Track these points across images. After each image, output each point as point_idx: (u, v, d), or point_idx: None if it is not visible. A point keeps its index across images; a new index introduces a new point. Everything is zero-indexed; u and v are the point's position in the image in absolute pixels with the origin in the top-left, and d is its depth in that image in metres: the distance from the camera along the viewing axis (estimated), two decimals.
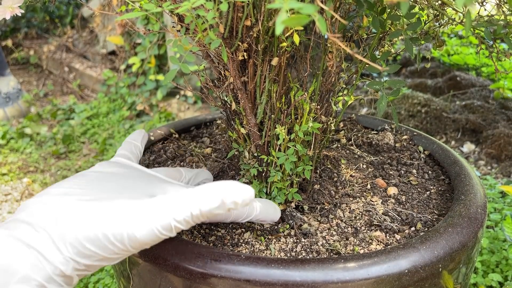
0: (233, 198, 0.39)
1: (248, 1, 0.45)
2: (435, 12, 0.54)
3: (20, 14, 0.46)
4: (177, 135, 0.80)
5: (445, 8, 0.53)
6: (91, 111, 2.18)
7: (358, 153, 0.72)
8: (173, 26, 0.53)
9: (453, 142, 1.60)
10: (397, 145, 0.74)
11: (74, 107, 2.24)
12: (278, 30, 0.26)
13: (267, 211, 0.52)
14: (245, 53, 0.50)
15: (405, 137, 0.76)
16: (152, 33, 2.09)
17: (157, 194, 0.44)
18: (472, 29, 0.52)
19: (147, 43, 2.14)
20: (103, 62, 2.68)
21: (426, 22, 0.58)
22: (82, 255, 0.39)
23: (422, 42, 0.56)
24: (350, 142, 0.76)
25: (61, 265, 0.38)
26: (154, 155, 0.74)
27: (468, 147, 1.57)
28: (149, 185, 0.46)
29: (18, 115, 2.22)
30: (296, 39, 0.45)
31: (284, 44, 0.50)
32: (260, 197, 0.57)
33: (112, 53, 2.67)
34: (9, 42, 3.01)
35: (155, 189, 0.46)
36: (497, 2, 0.48)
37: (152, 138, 0.77)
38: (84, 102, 2.40)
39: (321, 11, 0.49)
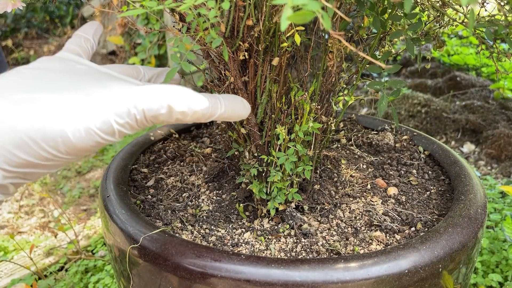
0: (182, 107, 0.35)
1: (250, 1, 0.45)
2: (436, 13, 0.54)
3: (21, 8, 0.46)
4: (177, 135, 0.80)
5: (446, 9, 0.53)
6: None
7: (358, 153, 0.72)
8: (173, 26, 0.53)
9: (453, 142, 1.60)
10: (397, 145, 0.74)
11: None
12: (283, 26, 0.26)
13: (233, 107, 0.44)
14: (246, 53, 0.50)
15: (405, 137, 0.76)
16: (152, 33, 2.09)
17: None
18: (473, 29, 0.52)
19: (147, 43, 2.14)
20: (103, 62, 2.68)
21: (427, 22, 0.58)
22: (12, 163, 0.34)
23: (423, 42, 0.56)
24: (350, 142, 0.76)
25: None
26: (154, 155, 0.74)
27: (468, 147, 1.57)
28: (94, 83, 0.39)
29: None
30: (297, 39, 0.45)
31: (285, 44, 0.50)
32: (261, 197, 0.57)
33: (112, 53, 2.67)
34: (9, 42, 3.01)
35: (100, 87, 0.38)
36: (498, 2, 0.48)
37: (152, 138, 0.77)
38: None
39: (323, 9, 0.49)
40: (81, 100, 0.35)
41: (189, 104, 0.36)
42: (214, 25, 0.43)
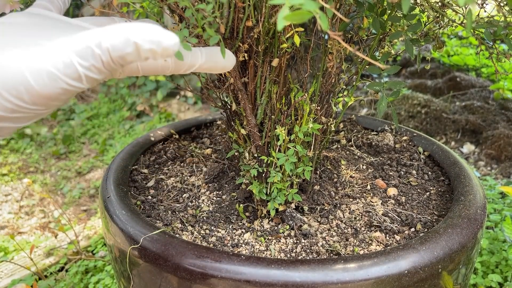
0: (149, 44, 0.32)
1: (249, 2, 0.45)
2: (436, 13, 0.54)
3: (19, 10, 0.46)
4: (177, 136, 0.80)
5: (445, 10, 0.53)
6: (91, 111, 2.18)
7: (358, 154, 0.73)
8: (173, 27, 0.53)
9: (453, 143, 1.60)
10: (397, 146, 0.74)
11: (75, 108, 2.24)
12: (280, 26, 0.26)
13: (215, 58, 0.42)
14: (245, 54, 0.50)
15: (405, 138, 0.76)
16: None
17: None
18: (472, 30, 0.52)
19: None
20: None
21: (426, 23, 0.58)
22: None
23: (422, 43, 0.56)
24: (350, 143, 0.76)
25: None
26: (154, 155, 0.74)
27: (468, 147, 1.57)
28: (60, 33, 0.37)
29: None
30: (297, 40, 0.45)
31: (285, 45, 0.50)
32: (261, 198, 0.57)
33: None
34: None
35: (65, 35, 0.35)
36: (497, 3, 0.48)
37: (153, 138, 0.77)
38: (84, 103, 2.40)
39: (322, 10, 0.49)
40: (42, 45, 0.33)
41: (157, 39, 0.33)
42: (211, 23, 0.43)
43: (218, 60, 0.42)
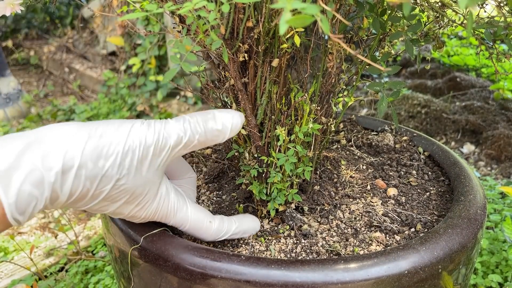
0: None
1: (250, 3, 0.45)
2: (436, 14, 0.54)
3: (20, 12, 0.46)
4: None
5: (445, 10, 0.53)
6: (91, 111, 2.18)
7: (358, 154, 0.73)
8: (173, 27, 0.53)
9: (453, 143, 1.60)
10: (397, 146, 0.74)
11: (75, 108, 2.24)
12: (282, 30, 0.26)
13: (242, 227, 0.53)
14: (245, 54, 0.50)
15: (405, 138, 0.76)
16: (153, 34, 2.09)
17: None
18: (472, 30, 0.52)
19: (147, 44, 2.14)
20: (103, 62, 2.69)
21: (426, 23, 0.58)
22: None
23: (422, 43, 0.56)
24: (350, 143, 0.76)
25: None
26: None
27: (468, 148, 1.57)
28: None
29: (18, 115, 2.22)
30: (297, 40, 0.45)
31: (285, 45, 0.50)
32: (261, 198, 0.57)
33: (112, 53, 2.67)
34: (9, 43, 3.01)
35: None
36: (497, 3, 0.48)
37: None
38: (84, 103, 2.40)
39: (322, 12, 0.49)
40: None
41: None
42: (214, 27, 0.43)
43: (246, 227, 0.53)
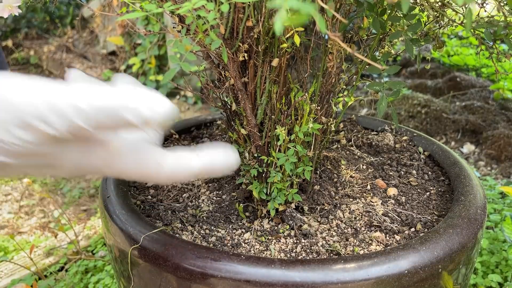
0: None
1: (249, 2, 0.45)
2: (435, 13, 0.54)
3: (18, 14, 0.46)
4: (177, 136, 0.80)
5: (445, 10, 0.53)
6: None
7: (358, 153, 0.73)
8: (173, 27, 0.53)
9: (453, 143, 1.61)
10: (397, 146, 0.74)
11: None
12: (278, 29, 0.26)
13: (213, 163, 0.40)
14: (245, 54, 0.50)
15: (405, 138, 0.76)
16: (153, 34, 2.09)
17: None
18: (472, 30, 0.52)
19: (147, 44, 2.14)
20: (103, 62, 2.69)
21: (426, 23, 0.58)
22: None
23: (422, 43, 0.56)
24: (350, 143, 0.76)
25: None
26: None
27: (468, 147, 1.57)
28: None
29: None
30: (297, 40, 0.45)
31: (285, 45, 0.50)
32: (261, 197, 0.57)
33: (112, 53, 2.67)
34: (9, 43, 3.01)
35: None
36: (498, 2, 0.48)
37: None
38: None
39: (322, 11, 0.49)
40: None
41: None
42: (213, 27, 0.43)
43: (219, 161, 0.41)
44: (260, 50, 0.50)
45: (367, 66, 0.56)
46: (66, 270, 1.08)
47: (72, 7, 3.09)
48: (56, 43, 2.96)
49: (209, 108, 2.04)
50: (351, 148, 0.74)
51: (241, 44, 0.49)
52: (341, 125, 0.81)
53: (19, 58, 3.04)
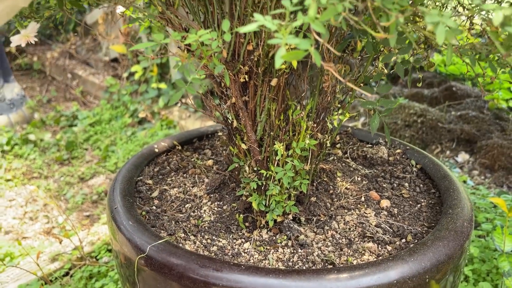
0: None
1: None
2: (423, 38, 0.57)
3: (33, 43, 0.50)
4: (180, 147, 0.83)
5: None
6: (93, 117, 2.21)
7: (354, 165, 0.76)
8: (178, 46, 0.56)
9: (448, 152, 1.64)
10: (390, 158, 0.78)
11: (77, 114, 2.27)
12: (278, 64, 0.30)
13: None
14: (246, 75, 0.53)
15: (398, 150, 0.79)
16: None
17: None
18: (459, 54, 0.55)
19: (149, 52, 2.17)
20: (105, 69, 2.72)
21: (419, 42, 0.61)
22: None
23: (413, 64, 0.59)
24: (346, 155, 0.79)
25: None
26: (158, 166, 0.78)
27: (463, 157, 1.60)
28: None
29: (22, 121, 2.25)
30: (294, 63, 0.48)
31: (283, 66, 0.53)
32: (260, 209, 0.60)
33: (115, 60, 2.70)
34: (12, 48, 3.05)
35: None
36: (482, 29, 0.51)
37: (157, 150, 0.81)
38: (86, 109, 2.43)
39: (319, 36, 0.53)
40: None
41: None
42: (216, 53, 0.47)
43: None
44: (260, 71, 0.53)
45: (361, 84, 0.59)
46: (71, 276, 1.11)
47: (75, 14, 3.13)
48: (59, 49, 3.00)
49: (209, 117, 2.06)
50: (347, 160, 0.77)
51: (242, 66, 0.52)
52: (338, 138, 0.85)
53: (23, 64, 3.07)
